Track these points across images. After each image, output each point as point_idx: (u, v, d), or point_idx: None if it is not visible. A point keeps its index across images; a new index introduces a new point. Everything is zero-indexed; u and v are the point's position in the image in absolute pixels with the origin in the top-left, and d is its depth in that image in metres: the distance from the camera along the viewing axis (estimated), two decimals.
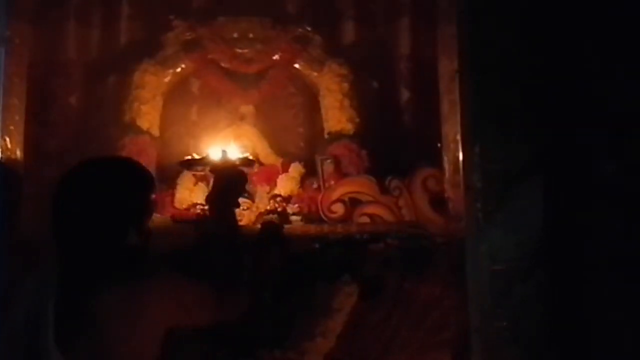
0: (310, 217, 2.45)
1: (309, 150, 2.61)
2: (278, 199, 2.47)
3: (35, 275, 1.60)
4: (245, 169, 2.02)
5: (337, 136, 2.59)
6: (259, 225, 2.28)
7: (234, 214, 1.93)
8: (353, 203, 2.46)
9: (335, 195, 2.46)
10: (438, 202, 2.41)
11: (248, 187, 2.24)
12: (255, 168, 2.29)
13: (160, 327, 1.57)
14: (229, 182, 1.92)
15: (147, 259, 1.69)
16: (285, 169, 2.55)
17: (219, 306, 1.73)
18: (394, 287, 2.34)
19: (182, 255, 2.22)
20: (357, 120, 2.60)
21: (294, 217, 2.44)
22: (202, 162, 2.10)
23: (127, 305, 1.53)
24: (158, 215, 2.26)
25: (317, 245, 2.36)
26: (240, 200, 2.39)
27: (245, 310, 1.82)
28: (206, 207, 2.04)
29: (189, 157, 2.18)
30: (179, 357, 1.67)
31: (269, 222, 2.27)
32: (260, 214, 2.44)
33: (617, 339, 1.83)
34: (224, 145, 2.16)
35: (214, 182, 1.95)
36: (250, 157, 2.16)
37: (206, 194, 2.45)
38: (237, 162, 2.03)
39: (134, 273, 1.58)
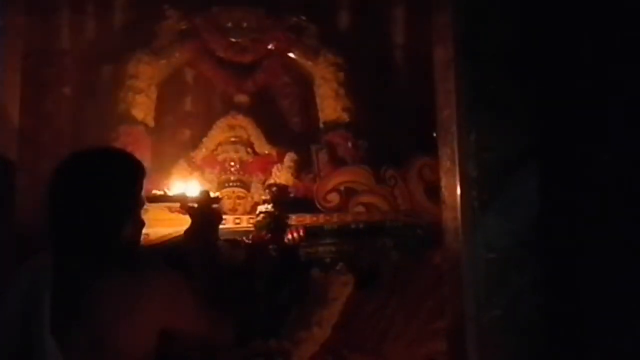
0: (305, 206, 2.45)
1: (304, 140, 2.60)
2: (273, 188, 2.47)
3: (30, 267, 1.60)
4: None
5: (332, 125, 2.59)
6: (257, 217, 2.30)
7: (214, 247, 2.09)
8: (348, 192, 2.46)
9: (331, 184, 2.46)
10: (433, 191, 2.41)
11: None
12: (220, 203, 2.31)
13: (155, 320, 1.57)
14: (207, 221, 2.07)
15: (141, 249, 1.70)
16: (280, 159, 2.54)
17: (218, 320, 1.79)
18: (389, 276, 2.35)
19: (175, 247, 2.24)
20: (353, 109, 2.60)
21: None
22: (166, 198, 2.18)
23: (122, 296, 1.53)
24: (152, 205, 2.26)
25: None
26: (235, 190, 2.41)
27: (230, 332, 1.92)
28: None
29: (156, 193, 2.22)
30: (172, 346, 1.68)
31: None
32: (255, 204, 2.45)
33: (611, 327, 1.84)
34: (184, 183, 2.29)
35: (192, 220, 2.06)
36: (213, 194, 2.18)
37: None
38: (209, 200, 2.10)
39: (128, 264, 1.59)
